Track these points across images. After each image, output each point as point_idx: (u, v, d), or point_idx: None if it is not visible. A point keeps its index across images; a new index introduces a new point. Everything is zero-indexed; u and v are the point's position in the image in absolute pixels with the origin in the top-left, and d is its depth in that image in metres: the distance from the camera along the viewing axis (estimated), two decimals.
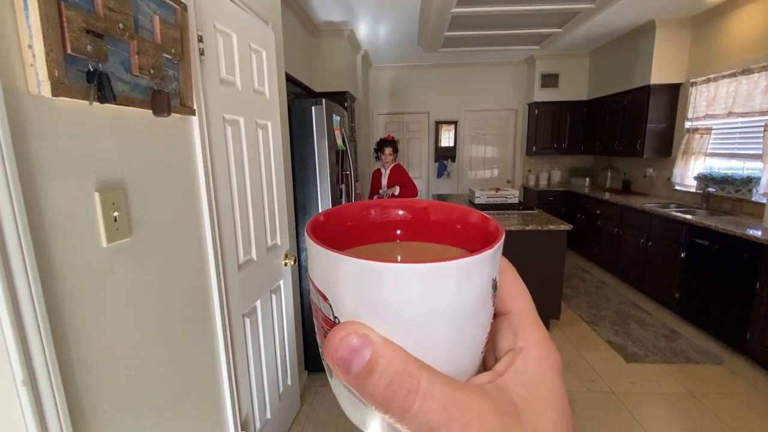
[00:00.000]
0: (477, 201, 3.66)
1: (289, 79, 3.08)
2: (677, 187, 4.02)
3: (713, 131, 3.59)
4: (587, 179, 5.47)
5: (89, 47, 0.73)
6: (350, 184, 2.84)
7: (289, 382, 1.99)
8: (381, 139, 3.65)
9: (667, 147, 4.14)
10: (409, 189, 3.60)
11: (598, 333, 2.99)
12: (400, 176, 3.62)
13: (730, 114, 3.35)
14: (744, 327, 2.53)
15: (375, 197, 3.68)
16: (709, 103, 3.60)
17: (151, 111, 0.93)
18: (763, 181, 3.00)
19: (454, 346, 0.17)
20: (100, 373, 0.82)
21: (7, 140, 0.62)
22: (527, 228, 2.78)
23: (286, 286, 1.93)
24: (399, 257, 0.24)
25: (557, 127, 5.50)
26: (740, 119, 3.30)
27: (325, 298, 0.17)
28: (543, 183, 5.76)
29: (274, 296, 1.80)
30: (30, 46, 0.66)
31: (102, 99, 0.76)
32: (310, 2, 3.44)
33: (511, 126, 6.05)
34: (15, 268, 0.63)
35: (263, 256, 1.67)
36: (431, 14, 3.67)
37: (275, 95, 1.78)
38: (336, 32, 4.10)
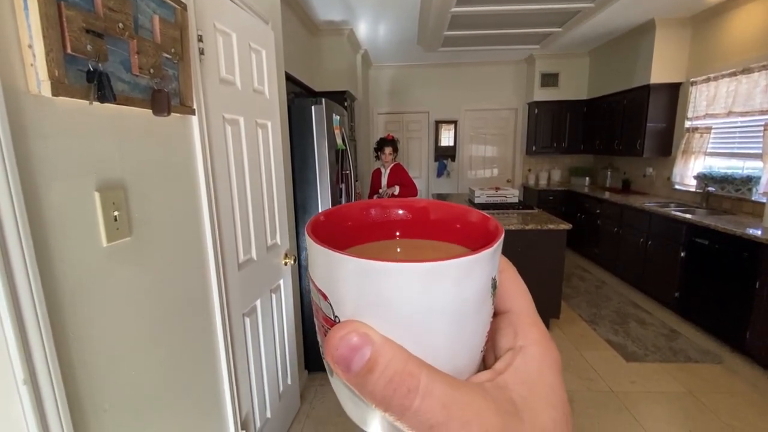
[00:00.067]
0: (477, 200, 3.66)
1: (289, 79, 3.08)
2: (677, 187, 4.02)
3: (713, 130, 3.59)
4: (587, 179, 5.47)
5: (89, 47, 0.73)
6: (350, 183, 2.84)
7: (289, 382, 1.99)
8: (381, 139, 3.64)
9: (666, 146, 4.14)
10: (408, 188, 3.59)
11: (598, 332, 2.99)
12: (399, 176, 3.62)
13: (730, 113, 3.35)
14: (743, 326, 2.54)
15: (375, 197, 3.67)
16: (709, 103, 3.60)
17: (151, 111, 0.93)
18: (762, 181, 3.00)
19: (454, 345, 0.17)
20: (101, 372, 0.82)
21: (8, 140, 0.62)
22: (527, 227, 2.79)
23: (286, 286, 1.93)
24: (399, 249, 0.24)
25: (557, 127, 5.50)
26: (740, 118, 3.30)
27: (325, 297, 0.17)
28: (543, 182, 5.76)
29: (274, 296, 1.80)
30: (30, 46, 0.66)
31: (102, 99, 0.76)
32: (310, 2, 3.43)
33: (510, 125, 6.04)
34: (15, 268, 0.63)
35: (263, 255, 1.67)
36: (431, 14, 3.67)
37: (275, 95, 1.78)
38: (336, 31, 4.09)
